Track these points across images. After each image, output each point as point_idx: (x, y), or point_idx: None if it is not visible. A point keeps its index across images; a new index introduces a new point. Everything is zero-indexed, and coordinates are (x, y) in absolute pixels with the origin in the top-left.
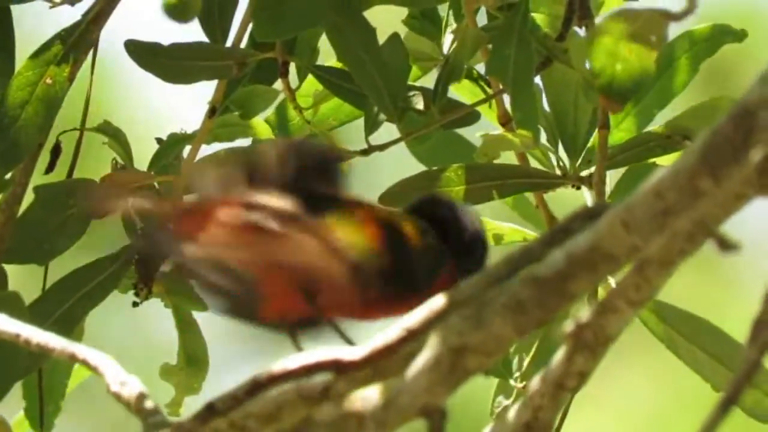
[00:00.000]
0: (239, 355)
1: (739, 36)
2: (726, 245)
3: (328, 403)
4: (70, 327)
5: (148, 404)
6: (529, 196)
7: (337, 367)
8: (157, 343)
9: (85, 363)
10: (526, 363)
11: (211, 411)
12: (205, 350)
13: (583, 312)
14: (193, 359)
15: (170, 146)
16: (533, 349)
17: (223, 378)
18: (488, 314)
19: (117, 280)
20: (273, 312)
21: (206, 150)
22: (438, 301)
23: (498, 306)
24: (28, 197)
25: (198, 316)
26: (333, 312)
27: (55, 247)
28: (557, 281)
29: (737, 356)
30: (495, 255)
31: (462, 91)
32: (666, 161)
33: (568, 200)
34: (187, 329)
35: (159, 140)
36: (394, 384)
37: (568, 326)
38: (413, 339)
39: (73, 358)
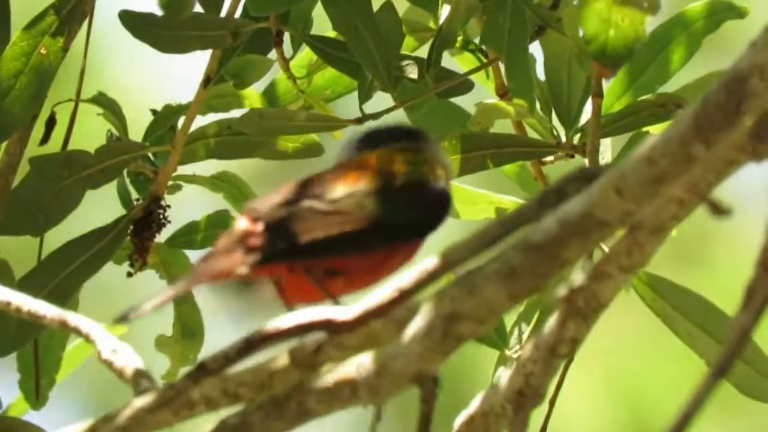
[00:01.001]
0: (234, 325)
1: (741, 13)
2: (719, 209)
3: (321, 369)
4: (65, 298)
5: (139, 371)
6: (530, 168)
7: (329, 326)
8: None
9: (76, 330)
10: (526, 334)
11: (202, 370)
12: (201, 322)
13: (576, 276)
14: (188, 331)
15: (165, 117)
16: (533, 321)
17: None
18: (480, 281)
19: (111, 252)
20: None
21: (201, 120)
22: (430, 263)
23: (490, 272)
24: (23, 169)
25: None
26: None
27: (50, 219)
28: (550, 247)
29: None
30: None
31: (463, 62)
32: (659, 130)
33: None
34: (183, 301)
35: (154, 111)
36: (387, 351)
37: (561, 291)
38: (405, 299)
39: (64, 326)
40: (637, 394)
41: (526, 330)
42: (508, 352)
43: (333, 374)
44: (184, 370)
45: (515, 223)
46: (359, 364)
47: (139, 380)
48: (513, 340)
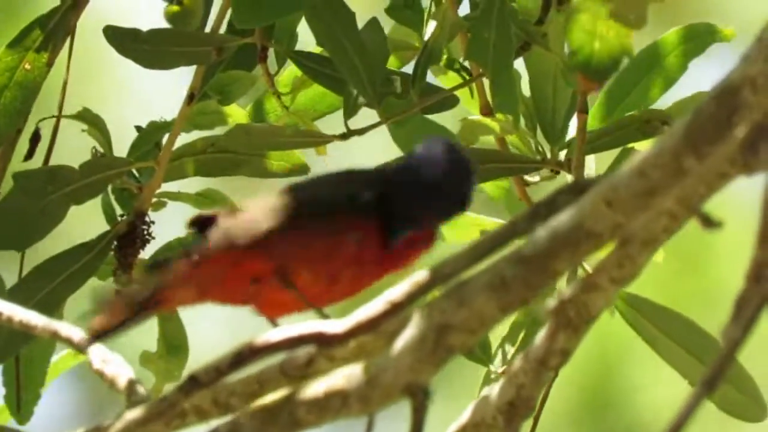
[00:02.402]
0: (219, 341)
1: (725, 36)
2: (709, 222)
3: (311, 379)
4: (49, 313)
5: (131, 381)
6: (514, 189)
7: (320, 339)
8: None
9: (68, 341)
10: (510, 354)
11: (194, 383)
12: (185, 337)
13: (565, 288)
14: (173, 347)
15: (149, 134)
16: (518, 340)
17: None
18: (471, 292)
19: (96, 267)
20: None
21: (185, 138)
22: (421, 275)
23: (481, 284)
24: (6, 184)
25: None
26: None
27: (35, 233)
28: (541, 259)
29: (712, 352)
30: None
31: (447, 83)
32: (644, 147)
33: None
34: (167, 317)
35: (138, 128)
36: (378, 362)
37: (551, 303)
38: (396, 312)
39: (55, 336)
40: (622, 404)
41: (512, 349)
42: (492, 368)
43: (323, 385)
44: (169, 387)
45: (507, 236)
46: (350, 375)
47: (131, 390)
48: (500, 358)
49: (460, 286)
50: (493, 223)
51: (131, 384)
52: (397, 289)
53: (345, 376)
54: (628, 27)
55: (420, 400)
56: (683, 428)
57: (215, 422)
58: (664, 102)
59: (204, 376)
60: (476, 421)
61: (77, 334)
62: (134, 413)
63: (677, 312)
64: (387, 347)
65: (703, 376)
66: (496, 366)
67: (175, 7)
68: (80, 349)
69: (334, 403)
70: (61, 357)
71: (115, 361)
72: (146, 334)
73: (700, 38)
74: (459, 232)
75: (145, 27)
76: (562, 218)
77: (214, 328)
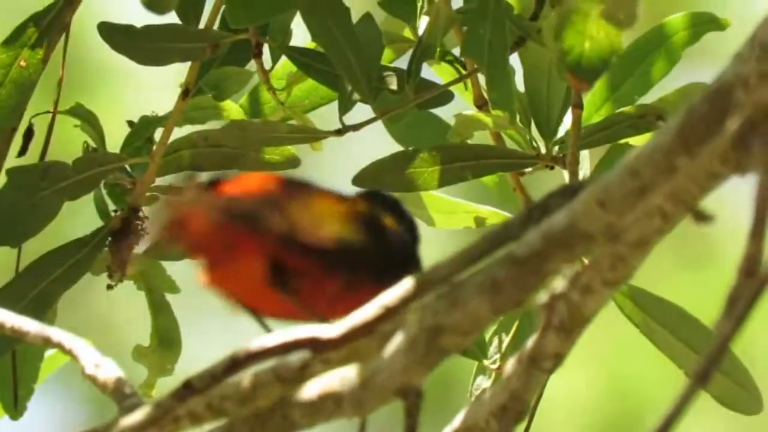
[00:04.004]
0: (212, 336)
1: (721, 24)
2: (701, 217)
3: (305, 382)
4: (43, 310)
5: (124, 387)
6: (508, 179)
7: (314, 344)
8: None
9: (59, 346)
10: (505, 344)
11: (188, 389)
12: (178, 332)
13: (556, 284)
14: (165, 341)
15: (142, 129)
16: (512, 331)
17: (196, 359)
18: (464, 294)
19: (90, 263)
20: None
21: (178, 132)
22: (414, 279)
23: (474, 285)
24: (1, 180)
25: (171, 297)
26: (306, 300)
27: (28, 229)
28: (534, 261)
29: (710, 344)
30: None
31: (441, 72)
32: (639, 141)
33: (547, 183)
34: (160, 311)
35: (130, 123)
36: (371, 364)
37: (542, 298)
38: (390, 316)
39: (47, 342)
40: (618, 398)
41: (506, 340)
42: (486, 363)
43: (317, 387)
44: (161, 380)
45: (499, 239)
46: (343, 377)
47: (123, 395)
48: (492, 349)
49: (452, 287)
50: (487, 211)
51: (123, 388)
52: (391, 293)
53: (338, 378)
54: (618, 27)
55: (413, 402)
56: (677, 419)
57: (209, 426)
58: (659, 91)
59: (198, 382)
60: (469, 425)
61: (69, 339)
62: (127, 419)
63: (674, 304)
64: (380, 350)
65: (695, 369)
66: (491, 358)
67: None
68: (72, 354)
69: (328, 406)
70: (52, 354)
71: (107, 366)
72: (139, 328)
73: (696, 27)
74: (451, 219)
75: (139, 23)
76: (555, 219)
77: (208, 325)
